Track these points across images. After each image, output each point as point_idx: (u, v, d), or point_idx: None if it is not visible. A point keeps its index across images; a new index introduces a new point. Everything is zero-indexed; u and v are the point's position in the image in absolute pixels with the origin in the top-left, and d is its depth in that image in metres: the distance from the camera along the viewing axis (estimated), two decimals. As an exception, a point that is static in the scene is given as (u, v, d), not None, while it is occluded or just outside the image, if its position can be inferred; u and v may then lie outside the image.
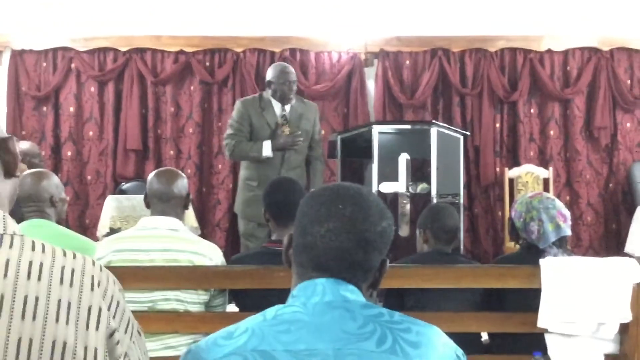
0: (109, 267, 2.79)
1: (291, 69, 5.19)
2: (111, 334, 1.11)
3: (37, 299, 1.05)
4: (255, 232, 5.07)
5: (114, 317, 1.13)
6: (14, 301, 1.04)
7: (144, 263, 2.87)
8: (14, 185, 1.25)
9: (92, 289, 1.11)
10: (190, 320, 2.90)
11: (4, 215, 1.15)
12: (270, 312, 1.36)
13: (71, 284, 1.09)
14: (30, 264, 1.08)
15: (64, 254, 1.13)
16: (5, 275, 1.05)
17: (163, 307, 2.87)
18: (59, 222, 3.26)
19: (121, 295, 1.18)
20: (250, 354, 1.28)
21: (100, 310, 1.10)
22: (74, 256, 1.14)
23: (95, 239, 5.70)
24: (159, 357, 2.84)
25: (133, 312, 2.76)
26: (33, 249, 1.11)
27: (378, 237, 1.41)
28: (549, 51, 7.02)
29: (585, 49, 7.04)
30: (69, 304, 1.07)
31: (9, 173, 1.24)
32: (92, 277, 1.13)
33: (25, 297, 1.05)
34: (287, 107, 5.11)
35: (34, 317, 1.04)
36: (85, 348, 1.07)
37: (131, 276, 2.80)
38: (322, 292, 1.37)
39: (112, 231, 5.85)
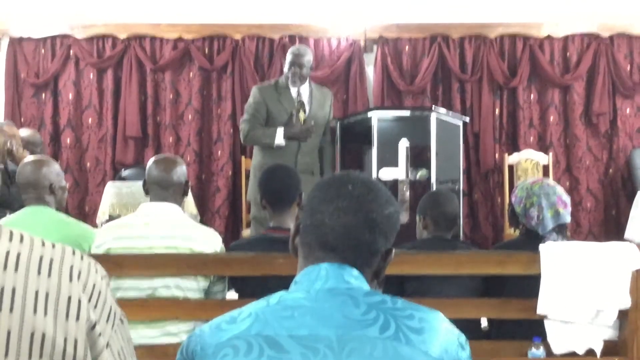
0: (109, 254, 2.82)
1: (304, 50, 5.19)
2: (92, 327, 1.09)
3: (14, 290, 1.03)
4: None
5: (94, 308, 1.10)
6: None
7: (143, 250, 2.87)
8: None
9: (70, 279, 1.08)
10: (190, 307, 2.91)
11: None
12: (274, 297, 1.36)
13: (49, 275, 1.07)
14: (7, 254, 1.05)
15: (43, 244, 1.10)
16: None
17: (163, 294, 2.87)
18: (59, 210, 3.26)
19: (104, 284, 1.14)
20: (253, 339, 1.28)
21: (79, 301, 1.08)
22: (53, 246, 1.11)
23: (95, 226, 5.71)
24: (159, 344, 2.84)
25: (133, 299, 2.78)
26: (11, 239, 1.07)
27: (385, 220, 1.43)
28: (549, 37, 7.00)
29: (585, 35, 7.02)
30: (47, 294, 1.05)
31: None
32: (72, 267, 1.10)
33: (2, 289, 1.02)
34: (304, 92, 5.11)
35: (11, 309, 1.02)
36: (65, 339, 1.05)
37: (131, 263, 2.81)
38: (326, 277, 1.37)
39: (112, 218, 5.84)
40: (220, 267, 2.96)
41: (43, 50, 7.01)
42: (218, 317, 1.36)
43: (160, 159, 3.15)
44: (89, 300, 1.10)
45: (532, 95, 7.06)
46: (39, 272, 1.06)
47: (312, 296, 1.35)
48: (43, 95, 7.03)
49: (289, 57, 5.11)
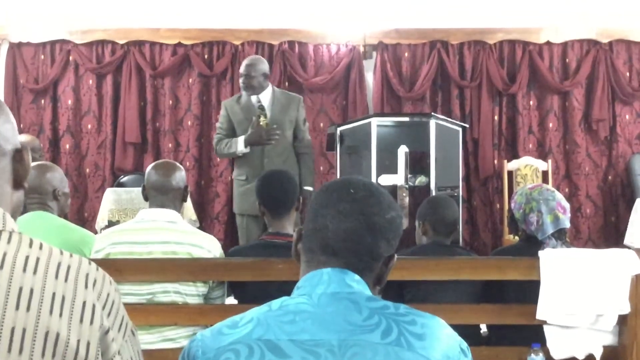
0: (107, 260, 2.82)
1: (255, 60, 5.29)
2: (106, 332, 1.12)
3: (32, 290, 1.06)
4: (249, 226, 5.14)
5: (108, 315, 1.13)
6: (8, 292, 1.05)
7: (142, 255, 2.87)
8: (20, 196, 1.26)
9: (86, 286, 1.12)
10: (189, 313, 2.90)
11: (4, 213, 1.16)
12: (276, 303, 1.37)
13: (66, 280, 1.10)
14: (27, 258, 1.09)
15: (61, 253, 1.14)
16: (1, 267, 1.07)
17: (162, 299, 2.87)
18: (61, 216, 3.27)
19: (117, 295, 1.18)
20: (255, 343, 1.29)
21: (94, 307, 1.11)
22: (71, 255, 1.15)
23: (94, 232, 5.70)
24: (158, 350, 2.84)
25: (132, 304, 2.78)
26: (31, 245, 1.11)
27: (387, 224, 1.43)
28: (548, 43, 7.01)
29: (584, 41, 7.03)
30: (63, 297, 1.08)
31: (19, 184, 1.25)
32: (87, 275, 1.13)
33: (20, 289, 1.06)
34: (265, 98, 5.19)
35: (28, 308, 1.05)
36: (79, 341, 1.07)
37: (130, 268, 2.81)
38: (328, 282, 1.38)
39: (111, 224, 5.84)
40: (220, 273, 2.95)
41: (42, 56, 7.02)
42: (220, 322, 1.37)
43: (159, 165, 3.15)
44: (103, 308, 1.13)
45: (531, 102, 7.07)
46: (56, 277, 1.09)
47: (314, 301, 1.35)
48: (42, 100, 7.04)
49: (242, 68, 5.21)
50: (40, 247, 1.12)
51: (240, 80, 5.20)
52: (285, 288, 1.45)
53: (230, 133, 5.18)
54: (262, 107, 5.19)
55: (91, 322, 1.09)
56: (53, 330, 1.05)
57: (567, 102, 7.05)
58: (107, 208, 6.21)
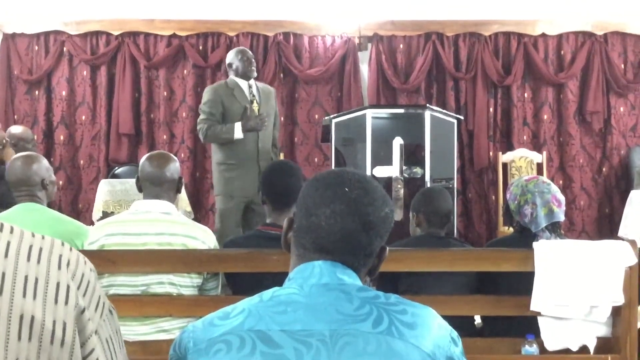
0: (102, 251, 2.81)
1: (247, 49, 5.59)
2: (81, 312, 1.10)
3: (3, 274, 1.05)
4: (235, 210, 5.26)
5: (84, 295, 1.11)
6: None
7: (136, 247, 2.86)
8: None
9: (59, 267, 1.10)
10: (184, 304, 2.90)
11: None
12: (267, 293, 1.36)
13: (38, 262, 1.08)
14: None
15: (33, 235, 1.12)
16: None
17: (156, 290, 2.86)
18: (49, 204, 3.27)
19: (93, 275, 1.16)
20: (246, 334, 1.28)
21: (68, 287, 1.09)
22: (43, 237, 1.13)
23: (88, 224, 5.69)
24: (152, 341, 2.84)
25: (126, 295, 2.78)
26: (1, 230, 1.10)
27: (381, 222, 1.43)
28: (543, 35, 7.01)
29: (579, 33, 7.03)
30: (36, 279, 1.07)
31: None
32: (60, 256, 1.12)
33: None
34: (253, 87, 5.36)
35: (0, 292, 1.03)
36: (54, 322, 1.06)
37: (125, 260, 2.80)
38: (319, 274, 1.38)
39: (105, 215, 5.84)
40: (215, 264, 2.95)
41: (36, 47, 7.00)
42: (211, 313, 1.37)
43: (153, 156, 3.14)
44: (78, 287, 1.11)
45: (526, 94, 7.08)
46: (28, 259, 1.08)
47: (305, 292, 1.35)
48: (36, 92, 7.02)
49: (243, 55, 5.37)
50: (11, 231, 1.10)
51: (246, 66, 5.33)
52: (280, 279, 1.44)
53: (220, 119, 5.26)
54: (254, 95, 5.35)
55: (66, 303, 1.08)
56: (27, 313, 1.04)
57: (562, 94, 7.06)
58: (101, 199, 6.21)
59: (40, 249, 1.10)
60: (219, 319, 1.33)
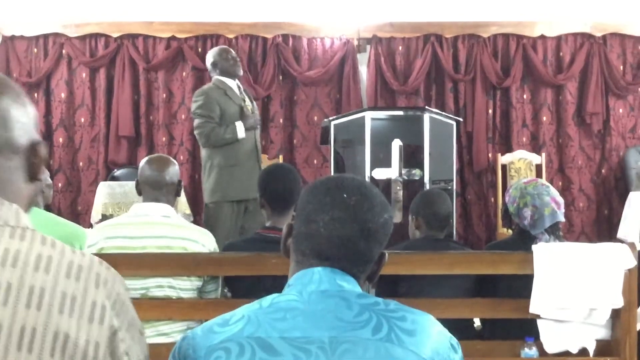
0: (101, 254, 2.81)
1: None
2: (114, 332, 1.11)
3: (42, 289, 1.05)
4: (234, 216, 5.27)
5: (117, 315, 1.13)
6: (20, 291, 1.04)
7: (136, 250, 2.86)
8: (35, 188, 1.25)
9: (97, 286, 1.11)
10: (183, 307, 2.90)
11: (18, 210, 1.15)
12: (266, 300, 1.36)
13: (77, 279, 1.10)
14: (39, 256, 1.08)
15: (73, 252, 1.14)
16: (14, 265, 1.06)
17: (156, 294, 2.86)
18: (48, 207, 3.27)
19: (127, 295, 1.18)
20: (245, 341, 1.28)
21: (103, 307, 1.10)
22: (83, 255, 1.15)
23: (87, 226, 5.69)
24: (152, 344, 2.83)
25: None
26: (43, 243, 1.11)
27: (380, 228, 1.43)
28: (542, 37, 7.02)
29: (578, 35, 7.04)
30: (74, 297, 1.08)
31: (33, 176, 1.24)
32: (98, 274, 1.13)
33: (32, 288, 1.05)
34: (240, 86, 5.35)
35: (38, 308, 1.04)
36: (87, 341, 1.07)
37: (124, 263, 2.79)
38: (319, 280, 1.37)
39: (104, 218, 5.83)
40: (214, 267, 2.95)
41: (35, 49, 6.99)
42: (210, 320, 1.36)
43: (153, 159, 3.14)
44: (113, 307, 1.13)
45: (525, 95, 7.08)
46: (67, 276, 1.09)
47: (304, 298, 1.35)
48: (35, 94, 7.01)
49: (227, 53, 5.31)
50: (53, 245, 1.12)
51: (233, 65, 5.28)
52: (280, 282, 1.44)
53: (219, 121, 5.17)
54: (246, 93, 5.39)
55: (101, 322, 1.09)
56: (62, 330, 1.05)
57: (561, 95, 7.07)
58: (100, 202, 6.20)
59: (80, 267, 1.12)
60: (218, 326, 1.33)
